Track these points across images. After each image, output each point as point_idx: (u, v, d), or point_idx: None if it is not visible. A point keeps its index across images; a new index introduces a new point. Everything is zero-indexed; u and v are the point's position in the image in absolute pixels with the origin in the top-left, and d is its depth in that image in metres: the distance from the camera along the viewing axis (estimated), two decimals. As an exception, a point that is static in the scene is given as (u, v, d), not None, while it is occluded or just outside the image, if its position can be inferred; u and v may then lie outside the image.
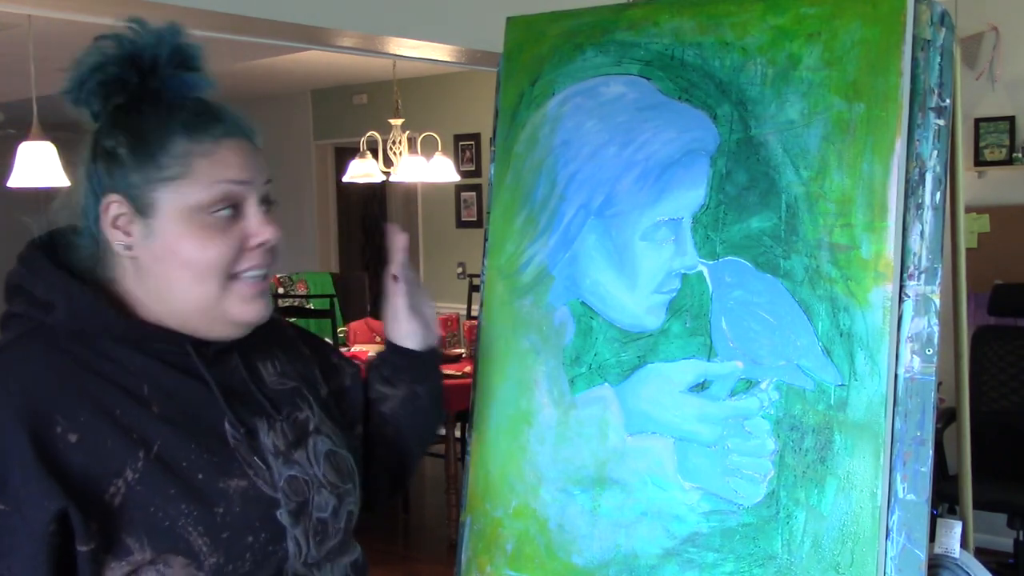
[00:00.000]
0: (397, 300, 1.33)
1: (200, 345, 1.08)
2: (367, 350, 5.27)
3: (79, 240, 1.08)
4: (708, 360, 1.38)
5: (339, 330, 5.20)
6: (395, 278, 1.32)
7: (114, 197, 1.05)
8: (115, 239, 1.05)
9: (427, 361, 1.35)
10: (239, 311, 1.08)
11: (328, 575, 1.13)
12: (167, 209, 1.05)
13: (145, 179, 1.04)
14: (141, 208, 1.05)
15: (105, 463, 0.97)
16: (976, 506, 1.59)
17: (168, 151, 1.04)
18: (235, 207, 1.07)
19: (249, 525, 1.03)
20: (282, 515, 1.06)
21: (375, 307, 7.67)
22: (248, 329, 1.11)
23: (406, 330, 1.34)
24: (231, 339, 1.10)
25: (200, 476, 1.01)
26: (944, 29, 1.30)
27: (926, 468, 1.26)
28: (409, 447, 1.37)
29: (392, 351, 1.35)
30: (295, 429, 1.13)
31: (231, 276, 1.07)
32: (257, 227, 1.10)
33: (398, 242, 1.33)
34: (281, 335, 1.22)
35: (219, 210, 1.06)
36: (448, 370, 4.77)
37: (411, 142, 5.50)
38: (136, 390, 1.02)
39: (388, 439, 1.34)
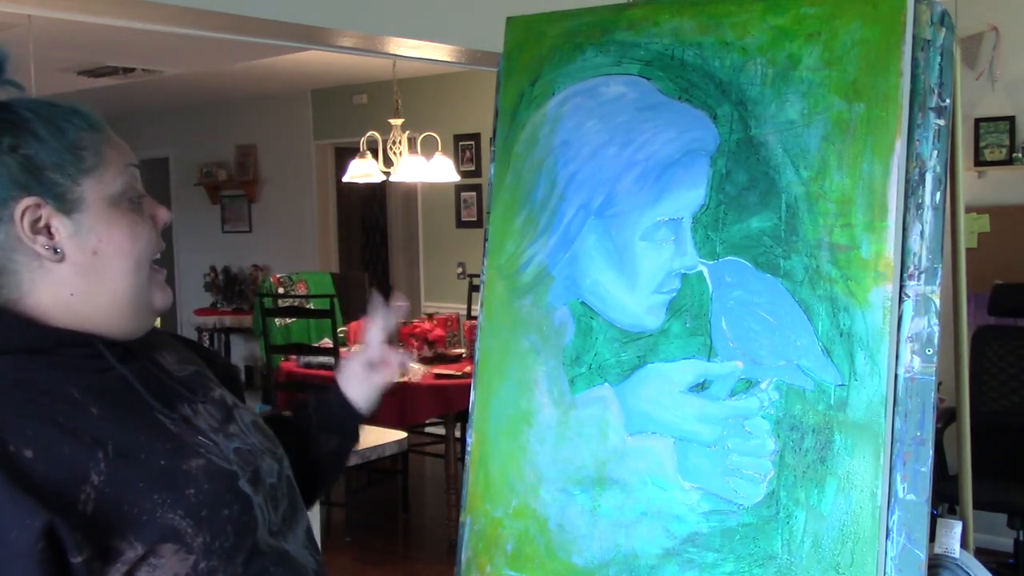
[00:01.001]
0: (383, 372, 1.36)
1: (108, 345, 1.06)
2: (367, 350, 5.26)
3: None
4: (708, 360, 1.38)
5: (339, 330, 5.20)
6: (404, 365, 1.37)
7: (29, 200, 1.00)
8: (37, 244, 1.00)
9: (362, 423, 1.39)
10: (159, 298, 1.10)
11: (295, 544, 1.14)
12: (93, 201, 1.03)
13: (67, 175, 1.01)
14: (67, 206, 1.02)
15: (68, 472, 0.94)
16: (976, 506, 1.59)
17: (80, 144, 1.03)
18: (139, 193, 1.08)
19: (221, 499, 1.03)
20: (244, 485, 1.06)
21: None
22: (157, 318, 1.12)
23: (364, 393, 1.36)
24: (141, 334, 1.10)
25: (161, 462, 1.00)
26: (944, 29, 1.30)
27: (926, 468, 1.26)
28: (316, 488, 1.38)
29: (340, 403, 1.36)
30: (218, 407, 1.14)
31: (151, 264, 1.09)
32: (158, 209, 1.10)
33: (396, 313, 1.36)
34: (159, 334, 1.21)
35: (133, 196, 1.06)
36: (448, 370, 4.78)
37: (411, 142, 5.50)
38: (68, 396, 0.99)
39: (302, 478, 1.34)
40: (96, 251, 1.03)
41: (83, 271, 1.03)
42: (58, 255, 1.01)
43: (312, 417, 1.36)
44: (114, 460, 0.97)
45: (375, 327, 1.36)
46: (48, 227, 1.01)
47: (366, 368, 1.36)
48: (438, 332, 5.14)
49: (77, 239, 1.02)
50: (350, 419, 1.36)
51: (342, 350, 4.93)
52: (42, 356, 1.01)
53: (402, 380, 4.62)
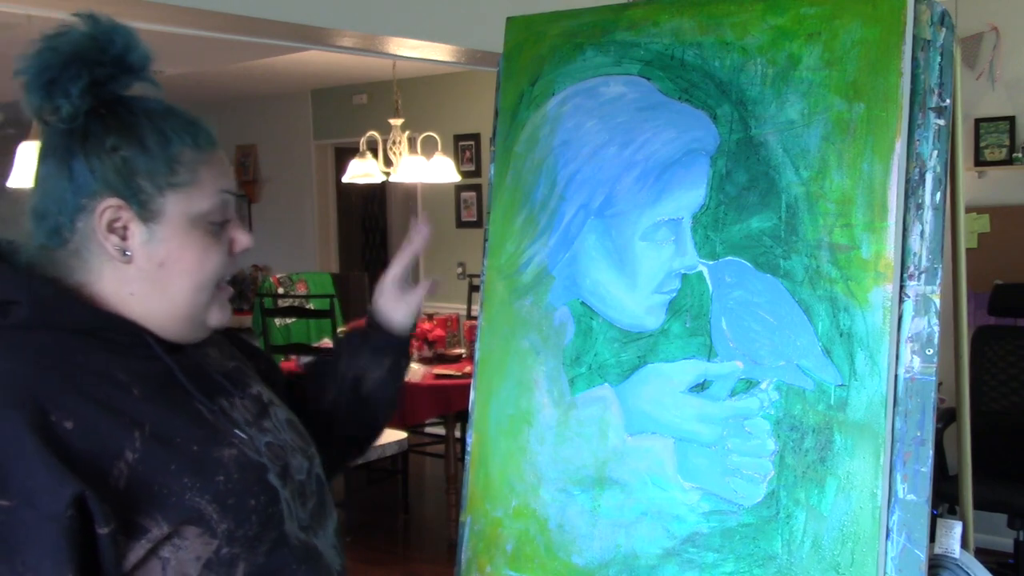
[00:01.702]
0: (416, 290, 1.41)
1: (154, 338, 1.09)
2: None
3: (35, 233, 1.06)
4: (708, 360, 1.38)
5: (339, 330, 5.20)
6: (432, 283, 1.42)
7: (114, 201, 1.03)
8: (109, 243, 1.04)
9: (410, 338, 1.43)
10: (216, 316, 1.12)
11: (324, 540, 1.16)
12: (173, 216, 1.06)
13: (155, 185, 1.05)
14: (146, 214, 1.05)
15: (104, 447, 0.97)
16: (976, 506, 1.59)
17: (178, 158, 1.06)
18: (227, 217, 1.11)
19: (249, 489, 1.05)
20: (272, 478, 1.09)
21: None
22: (209, 332, 1.14)
23: (403, 312, 1.39)
24: (190, 343, 1.12)
25: (195, 448, 1.03)
26: (944, 29, 1.30)
27: (926, 468, 1.26)
28: (379, 416, 1.41)
29: (384, 326, 1.38)
30: (255, 403, 1.16)
31: (218, 284, 1.11)
32: (239, 234, 1.13)
33: (422, 235, 1.43)
34: None
35: (217, 220, 1.09)
36: (448, 370, 4.77)
37: (411, 142, 5.50)
38: (112, 376, 1.02)
39: (360, 408, 1.38)
40: (163, 263, 1.06)
41: (147, 277, 1.06)
42: (126, 257, 1.05)
43: (363, 346, 1.38)
44: (149, 440, 1.00)
45: (406, 250, 1.40)
46: (124, 228, 1.05)
47: (400, 288, 1.39)
48: (438, 332, 5.14)
49: (148, 247, 1.06)
50: (396, 338, 1.38)
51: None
52: (93, 337, 1.04)
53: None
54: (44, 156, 1.06)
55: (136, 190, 1.04)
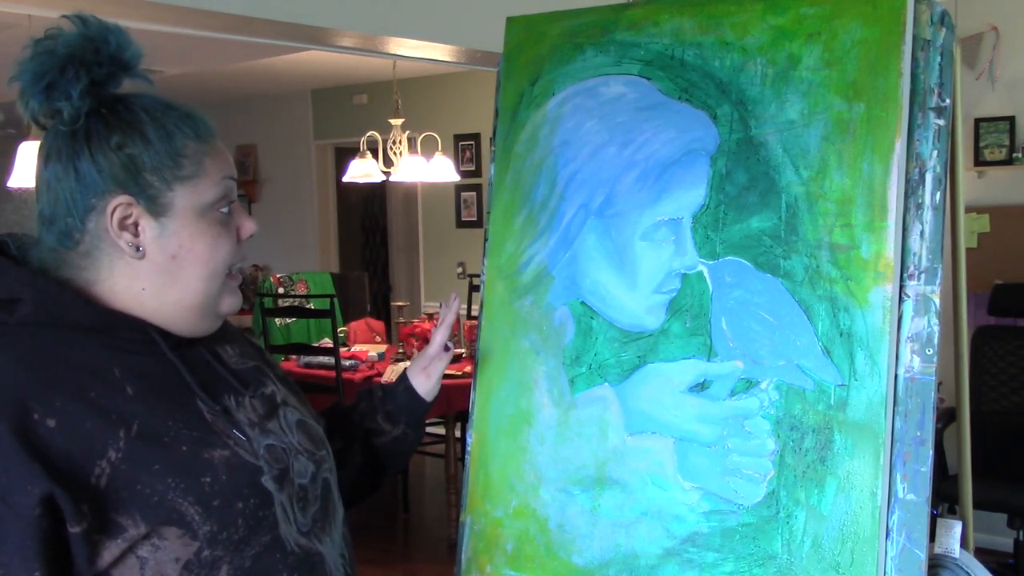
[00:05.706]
0: (437, 362, 1.46)
1: (163, 334, 1.09)
2: (367, 350, 5.26)
3: (45, 238, 1.07)
4: (708, 360, 1.38)
5: (339, 330, 5.20)
6: (447, 348, 1.46)
7: (123, 198, 1.04)
8: (122, 240, 1.05)
9: (427, 411, 1.48)
10: (226, 303, 1.14)
11: (330, 548, 1.16)
12: (182, 208, 1.07)
13: (163, 180, 1.06)
14: (156, 209, 1.06)
15: (86, 445, 0.98)
16: (976, 506, 1.59)
17: (182, 152, 1.07)
18: (230, 203, 1.12)
19: (237, 492, 1.05)
20: (267, 481, 1.08)
21: (375, 307, 7.66)
22: (221, 321, 1.16)
23: (429, 385, 1.46)
24: (203, 334, 1.13)
25: (183, 448, 1.03)
26: (944, 29, 1.30)
27: (926, 468, 1.26)
28: (380, 476, 1.45)
29: (405, 392, 1.45)
30: (265, 403, 1.16)
31: (228, 272, 1.12)
32: (244, 220, 1.14)
33: (452, 310, 1.48)
34: (228, 327, 1.25)
35: (223, 207, 1.10)
36: (448, 370, 4.77)
37: (411, 142, 5.49)
38: (107, 374, 1.03)
39: (367, 467, 1.41)
40: (175, 255, 1.07)
41: (159, 271, 1.07)
42: (139, 253, 1.06)
43: (379, 407, 1.43)
44: (135, 440, 1.00)
45: (445, 326, 1.46)
46: (136, 225, 1.06)
47: (428, 360, 1.46)
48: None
49: (160, 241, 1.07)
50: (415, 408, 1.44)
51: (342, 350, 4.92)
52: (95, 335, 1.04)
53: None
54: (47, 160, 1.06)
55: (144, 186, 1.05)
